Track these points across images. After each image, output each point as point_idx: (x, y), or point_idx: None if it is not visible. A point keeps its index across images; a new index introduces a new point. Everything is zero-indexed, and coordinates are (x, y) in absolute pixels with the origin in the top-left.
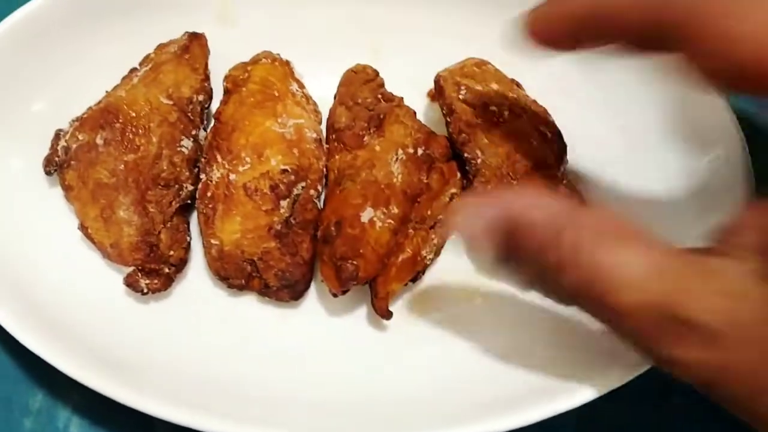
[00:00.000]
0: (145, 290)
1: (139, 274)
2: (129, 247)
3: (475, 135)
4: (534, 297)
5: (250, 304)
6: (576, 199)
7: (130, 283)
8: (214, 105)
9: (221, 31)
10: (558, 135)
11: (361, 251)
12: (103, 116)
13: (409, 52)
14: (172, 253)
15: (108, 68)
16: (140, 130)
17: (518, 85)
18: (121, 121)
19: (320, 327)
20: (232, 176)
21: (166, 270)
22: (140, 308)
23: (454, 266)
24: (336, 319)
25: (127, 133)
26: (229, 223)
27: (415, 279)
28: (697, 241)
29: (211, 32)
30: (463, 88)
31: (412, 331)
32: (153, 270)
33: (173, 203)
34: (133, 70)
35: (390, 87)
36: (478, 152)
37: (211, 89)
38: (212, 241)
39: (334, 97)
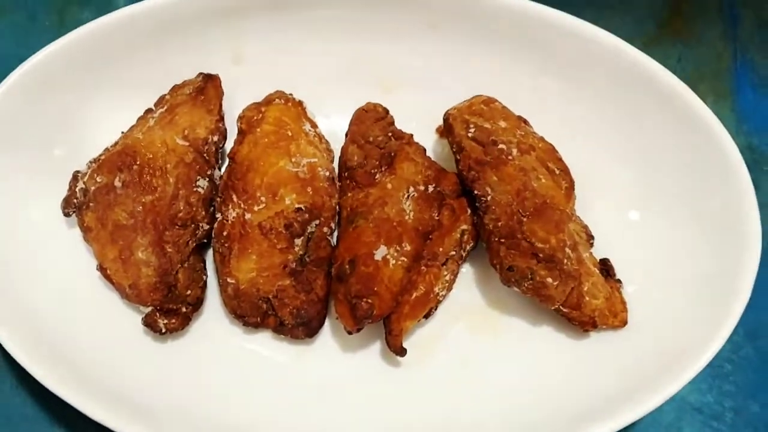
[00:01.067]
0: (164, 330)
1: (158, 314)
2: (148, 287)
3: (484, 172)
4: (547, 332)
5: (265, 342)
6: (584, 233)
7: (149, 323)
8: (228, 144)
9: (233, 70)
10: (566, 171)
11: (375, 289)
12: (120, 158)
13: (418, 90)
14: (189, 292)
15: (123, 109)
16: (157, 172)
17: (525, 122)
18: (138, 163)
19: (335, 364)
20: (248, 215)
21: (184, 309)
22: (158, 348)
23: (466, 300)
24: (350, 356)
25: (144, 175)
26: (244, 261)
27: (428, 315)
28: (708, 278)
29: (223, 72)
30: (471, 126)
31: (426, 368)
32: (171, 310)
33: (190, 243)
34: (148, 111)
35: (399, 124)
36: (488, 189)
37: (226, 129)
38: (228, 280)
39: (346, 135)
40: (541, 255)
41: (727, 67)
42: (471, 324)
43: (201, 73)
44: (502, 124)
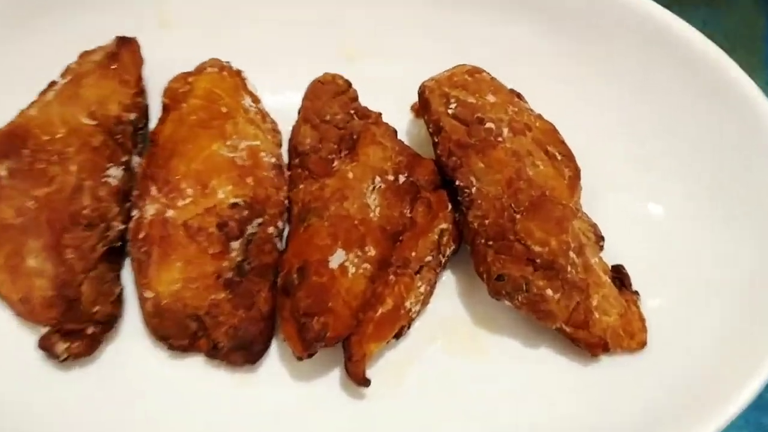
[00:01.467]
0: (64, 356)
1: (56, 336)
2: (42, 302)
3: (468, 158)
4: (545, 356)
5: (197, 369)
6: (592, 233)
7: (45, 346)
8: (153, 125)
9: (160, 35)
10: (569, 156)
11: (329, 305)
12: (7, 141)
13: (390, 59)
14: (96, 308)
15: (23, 82)
16: (54, 157)
17: (519, 96)
18: (30, 147)
19: (283, 396)
20: (170, 212)
21: (91, 329)
22: (60, 378)
23: (446, 317)
24: (302, 387)
25: (37, 162)
26: (167, 270)
27: (399, 335)
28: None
29: (148, 37)
30: (452, 100)
31: (396, 400)
32: (73, 330)
33: (98, 247)
34: (51, 84)
35: (366, 100)
36: (473, 179)
37: (147, 106)
38: (147, 294)
39: (298, 114)
40: (538, 261)
41: (761, 36)
42: (451, 346)
43: (116, 37)
44: (491, 98)
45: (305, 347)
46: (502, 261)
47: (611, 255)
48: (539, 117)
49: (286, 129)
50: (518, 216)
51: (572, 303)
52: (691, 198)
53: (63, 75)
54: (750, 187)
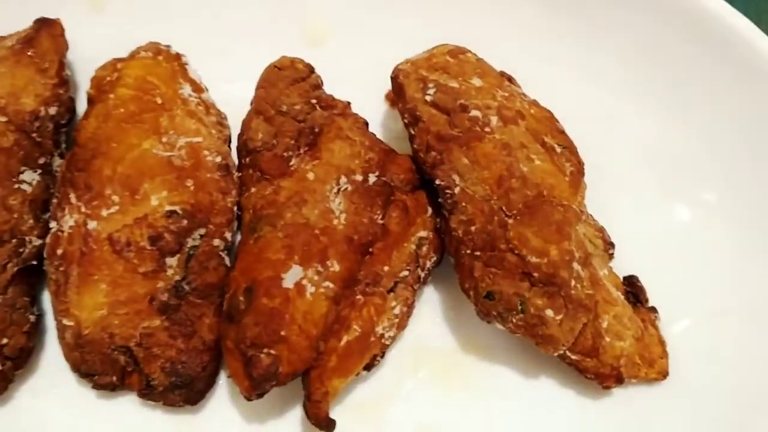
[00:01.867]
0: None
1: None
2: None
3: (449, 153)
4: (546, 388)
5: (128, 411)
6: (600, 239)
7: None
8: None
9: (91, 20)
10: (571, 149)
11: (282, 333)
12: None
13: (361, 38)
14: (5, 341)
15: None
16: None
17: (511, 79)
18: None
19: None
20: (92, 224)
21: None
22: None
23: (427, 342)
24: (258, 430)
25: None
26: (89, 293)
27: (370, 366)
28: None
29: (78, 20)
30: (431, 85)
31: None
32: None
33: (8, 267)
34: None
35: (335, 88)
36: (456, 177)
37: (71, 98)
38: (65, 322)
39: (251, 105)
40: (536, 275)
41: None
42: (435, 376)
43: (35, 19)
44: (476, 82)
45: (253, 386)
46: (492, 276)
47: (622, 265)
48: (534, 103)
49: (236, 123)
50: (510, 221)
51: (578, 325)
52: (717, 197)
53: None
54: None
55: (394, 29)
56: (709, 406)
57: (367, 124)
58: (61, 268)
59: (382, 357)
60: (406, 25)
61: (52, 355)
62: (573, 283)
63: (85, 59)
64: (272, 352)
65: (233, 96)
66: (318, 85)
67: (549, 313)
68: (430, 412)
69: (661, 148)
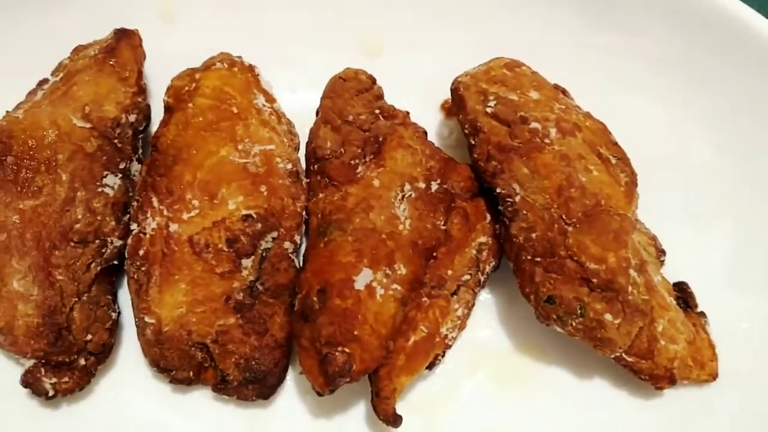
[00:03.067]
0: (52, 392)
1: (43, 370)
2: (26, 332)
3: (510, 162)
4: (602, 389)
5: (203, 405)
6: (653, 247)
7: (30, 383)
8: (155, 128)
9: (163, 30)
10: (625, 160)
11: (355, 333)
12: None
13: (418, 52)
14: (89, 337)
15: (10, 81)
16: (43, 166)
17: (564, 92)
18: (14, 153)
19: None
20: (174, 226)
21: (83, 361)
22: (48, 417)
23: (486, 343)
24: (324, 426)
25: (23, 170)
26: (170, 292)
27: (432, 365)
28: None
29: (151, 29)
30: (491, 98)
31: None
32: (63, 363)
33: (92, 266)
34: (42, 82)
35: (392, 98)
36: (516, 186)
37: (149, 106)
38: (147, 319)
39: (317, 114)
40: (594, 280)
41: None
42: (494, 376)
43: (115, 29)
44: (534, 95)
45: (327, 382)
46: (552, 281)
47: (671, 270)
48: (588, 115)
49: (304, 131)
50: (570, 228)
51: (635, 329)
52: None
53: (54, 72)
54: None
55: (450, 41)
56: (753, 404)
57: (426, 133)
58: (143, 268)
59: (443, 357)
60: (461, 37)
61: (129, 351)
62: (630, 288)
63: (157, 68)
64: (346, 350)
65: (299, 104)
66: (380, 96)
67: (608, 317)
68: (486, 412)
69: (707, 157)
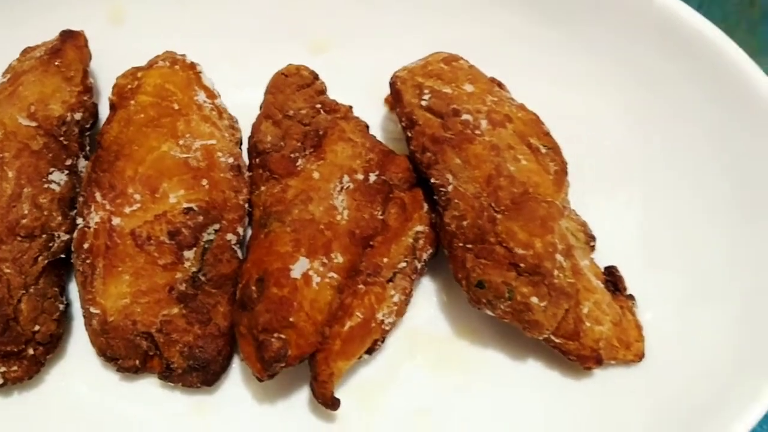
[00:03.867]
0: (1, 381)
1: None
2: None
3: (443, 154)
4: (533, 370)
5: (149, 392)
6: (582, 233)
7: None
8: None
9: (112, 32)
10: (555, 149)
11: (291, 320)
12: None
13: (362, 47)
14: (37, 327)
15: None
16: None
17: (501, 85)
18: None
19: (245, 422)
20: (116, 220)
21: (31, 351)
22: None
23: (424, 329)
24: (266, 410)
25: None
26: (114, 284)
27: (371, 350)
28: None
29: (99, 31)
30: (426, 91)
31: (371, 422)
32: (11, 353)
33: (39, 260)
34: None
35: (338, 93)
36: (449, 176)
37: (95, 105)
38: (92, 310)
39: (260, 109)
40: (522, 265)
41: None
42: (431, 360)
43: (61, 31)
44: (468, 88)
45: (264, 368)
46: (482, 266)
47: (603, 256)
48: (522, 107)
49: (247, 126)
50: (499, 216)
51: (560, 311)
52: (694, 194)
53: (4, 74)
54: (756, 178)
55: (391, 37)
56: (678, 383)
57: (367, 126)
58: (88, 261)
59: (383, 342)
60: (402, 33)
61: (78, 341)
62: (556, 272)
63: (106, 68)
64: (282, 336)
65: (243, 101)
66: (322, 91)
67: (534, 300)
68: (425, 394)
69: (637, 150)
